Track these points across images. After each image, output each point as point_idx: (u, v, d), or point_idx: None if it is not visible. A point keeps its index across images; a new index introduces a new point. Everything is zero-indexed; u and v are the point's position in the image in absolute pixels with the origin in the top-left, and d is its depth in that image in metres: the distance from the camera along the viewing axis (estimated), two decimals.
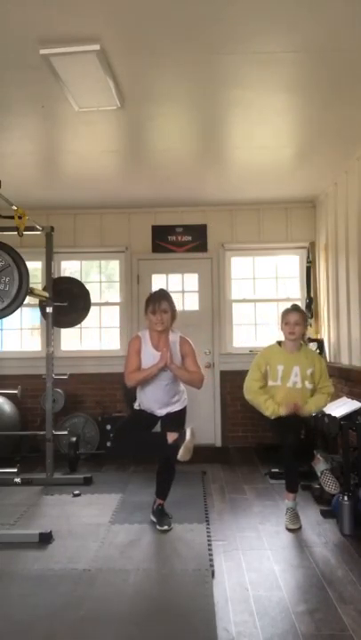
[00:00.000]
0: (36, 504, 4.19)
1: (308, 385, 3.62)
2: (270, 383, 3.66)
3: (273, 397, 3.64)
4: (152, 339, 3.54)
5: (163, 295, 3.54)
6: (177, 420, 3.58)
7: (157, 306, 3.46)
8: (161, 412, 3.58)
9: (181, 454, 3.28)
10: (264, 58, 2.94)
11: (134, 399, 3.70)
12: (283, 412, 3.56)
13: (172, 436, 3.36)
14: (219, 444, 6.05)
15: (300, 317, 3.68)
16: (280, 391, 3.64)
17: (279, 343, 3.77)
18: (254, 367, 3.73)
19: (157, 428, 3.64)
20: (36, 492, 4.46)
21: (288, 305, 3.85)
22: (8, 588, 2.82)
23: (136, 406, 3.66)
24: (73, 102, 3.32)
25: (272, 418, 3.61)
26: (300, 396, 3.62)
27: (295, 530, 3.52)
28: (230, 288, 6.23)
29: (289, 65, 3.03)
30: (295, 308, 3.76)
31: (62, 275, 6.09)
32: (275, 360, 3.67)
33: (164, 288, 3.87)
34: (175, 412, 3.59)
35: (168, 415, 3.58)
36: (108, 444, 5.60)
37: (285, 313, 3.73)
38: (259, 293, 6.19)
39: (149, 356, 3.48)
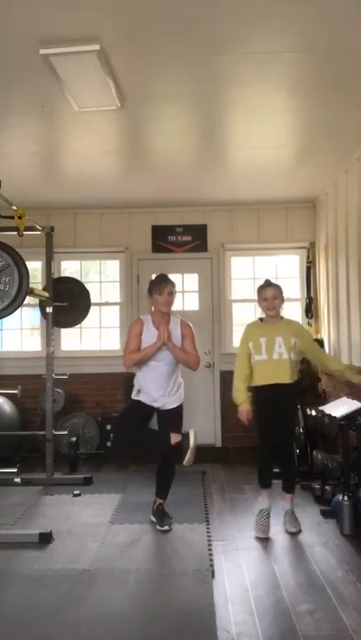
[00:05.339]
0: (36, 504, 4.19)
1: (293, 357, 3.58)
2: (256, 358, 3.61)
3: (259, 373, 3.61)
4: (154, 322, 3.62)
5: (168, 279, 3.69)
6: (175, 418, 3.60)
7: (164, 288, 3.61)
8: (159, 401, 3.58)
9: (188, 459, 3.35)
10: (264, 58, 2.94)
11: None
12: (242, 414, 3.61)
13: (175, 438, 3.40)
14: (219, 444, 6.05)
15: (277, 291, 3.68)
16: (267, 365, 3.58)
17: (261, 320, 3.76)
18: (239, 355, 3.72)
19: (154, 426, 3.67)
20: (36, 492, 4.46)
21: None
22: (8, 587, 2.82)
23: (134, 395, 3.67)
24: (73, 102, 3.32)
25: (239, 407, 3.64)
26: (288, 367, 3.56)
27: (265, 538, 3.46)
28: (230, 288, 6.23)
29: (289, 65, 3.03)
30: (270, 282, 3.75)
31: (62, 275, 6.08)
32: (257, 334, 3.65)
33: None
34: (172, 409, 3.61)
35: (165, 412, 3.60)
36: (109, 444, 5.61)
37: (261, 289, 3.72)
38: None
39: (151, 336, 3.56)
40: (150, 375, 3.59)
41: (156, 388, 3.58)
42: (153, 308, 3.69)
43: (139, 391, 3.64)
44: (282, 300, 3.70)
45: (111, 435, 5.56)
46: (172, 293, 3.63)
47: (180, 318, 3.72)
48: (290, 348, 3.57)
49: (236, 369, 3.72)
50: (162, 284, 3.62)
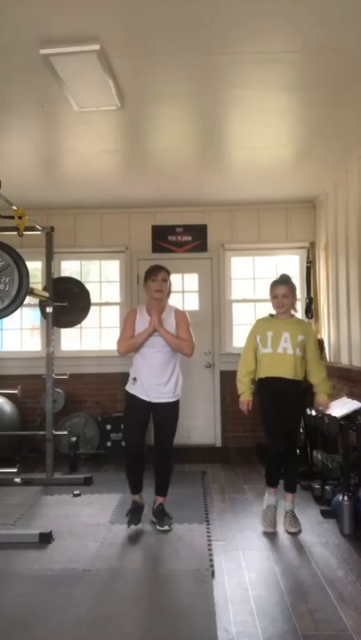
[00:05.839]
0: (36, 504, 4.19)
1: (298, 352, 3.56)
2: (262, 351, 3.62)
3: (263, 366, 3.62)
4: (148, 310, 3.67)
5: (162, 267, 3.73)
6: (171, 422, 3.65)
7: (158, 274, 3.66)
8: (154, 390, 3.58)
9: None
10: (264, 58, 2.94)
11: None
12: (243, 404, 3.65)
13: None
14: (219, 444, 6.05)
15: (289, 289, 3.64)
16: (270, 358, 3.59)
17: (272, 315, 3.76)
18: (245, 348, 3.74)
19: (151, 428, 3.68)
20: (36, 492, 4.46)
21: None
22: (8, 587, 2.82)
23: (129, 385, 3.69)
24: (73, 102, 3.32)
25: (241, 400, 3.67)
26: (291, 363, 3.54)
27: (271, 533, 3.51)
28: (230, 288, 6.23)
29: (289, 65, 3.03)
30: (283, 279, 3.71)
31: (62, 275, 6.08)
32: (265, 328, 3.66)
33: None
34: (168, 404, 3.61)
35: (161, 409, 3.60)
36: (109, 443, 5.65)
37: (273, 285, 3.69)
38: (259, 293, 6.18)
39: (145, 323, 3.62)
40: (145, 363, 3.62)
41: (151, 375, 3.60)
42: (148, 298, 3.73)
43: (134, 379, 3.65)
44: (293, 298, 3.68)
45: (111, 435, 5.60)
46: (165, 280, 3.67)
47: (175, 307, 3.77)
48: (296, 344, 3.55)
49: (240, 360, 3.75)
50: (155, 271, 3.68)
